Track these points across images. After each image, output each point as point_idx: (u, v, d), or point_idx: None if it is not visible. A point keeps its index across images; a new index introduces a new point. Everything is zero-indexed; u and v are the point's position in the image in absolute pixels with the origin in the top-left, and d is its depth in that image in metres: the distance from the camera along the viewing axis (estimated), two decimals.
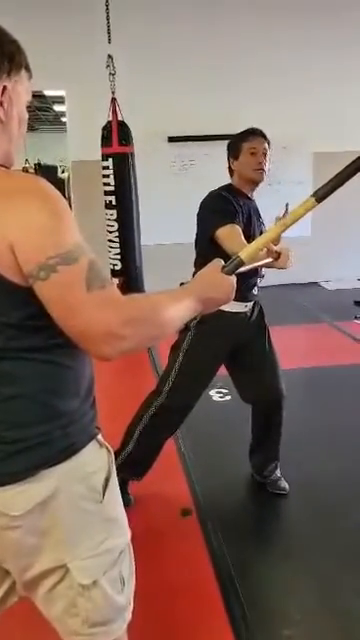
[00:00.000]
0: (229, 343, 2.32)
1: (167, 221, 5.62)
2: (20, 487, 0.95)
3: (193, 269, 2.21)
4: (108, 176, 4.76)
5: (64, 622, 1.06)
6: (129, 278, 4.87)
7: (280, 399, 2.41)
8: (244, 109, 5.29)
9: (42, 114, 15.69)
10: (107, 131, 4.70)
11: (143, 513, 2.31)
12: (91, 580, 1.02)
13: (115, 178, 4.73)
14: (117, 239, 4.86)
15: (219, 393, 3.43)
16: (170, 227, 5.49)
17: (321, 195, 1.14)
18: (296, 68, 5.89)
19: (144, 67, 5.44)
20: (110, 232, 4.88)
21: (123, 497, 1.13)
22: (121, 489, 1.12)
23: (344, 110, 6.11)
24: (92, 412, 1.07)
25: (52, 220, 0.88)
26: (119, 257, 4.88)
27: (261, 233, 2.29)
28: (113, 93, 4.63)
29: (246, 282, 2.16)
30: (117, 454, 2.25)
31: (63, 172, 13.16)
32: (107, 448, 1.09)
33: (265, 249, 1.76)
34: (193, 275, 2.05)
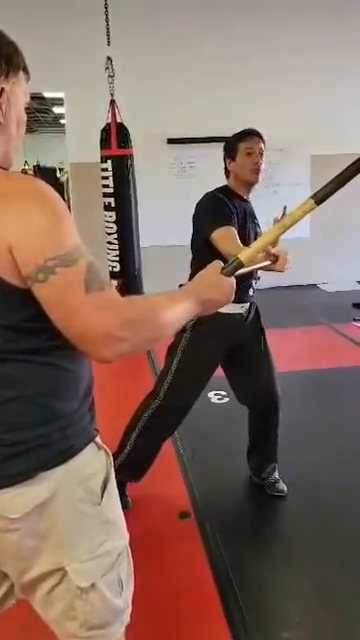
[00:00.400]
0: (225, 344, 2.32)
1: (166, 223, 5.60)
2: (19, 489, 0.95)
3: (190, 271, 2.22)
4: (107, 178, 4.77)
5: (62, 625, 1.06)
6: (128, 280, 4.87)
7: (276, 400, 2.41)
8: (243, 111, 5.28)
9: (41, 116, 15.68)
10: (106, 133, 4.71)
11: (141, 515, 2.30)
12: (89, 583, 1.02)
13: (114, 180, 4.74)
14: (116, 241, 4.86)
15: (217, 395, 3.43)
16: (169, 229, 5.48)
17: (320, 197, 1.13)
18: (294, 71, 5.91)
19: (143, 69, 5.44)
20: (109, 234, 4.88)
21: (121, 499, 1.13)
22: (119, 491, 1.12)
23: (341, 113, 6.14)
24: (91, 414, 1.06)
25: (51, 222, 0.88)
26: (118, 259, 4.88)
27: (256, 235, 2.29)
28: (112, 95, 4.63)
29: (242, 283, 2.16)
30: (115, 456, 2.23)
31: (61, 173, 13.13)
32: (105, 450, 1.09)
33: (263, 252, 1.76)
34: (190, 277, 2.07)
